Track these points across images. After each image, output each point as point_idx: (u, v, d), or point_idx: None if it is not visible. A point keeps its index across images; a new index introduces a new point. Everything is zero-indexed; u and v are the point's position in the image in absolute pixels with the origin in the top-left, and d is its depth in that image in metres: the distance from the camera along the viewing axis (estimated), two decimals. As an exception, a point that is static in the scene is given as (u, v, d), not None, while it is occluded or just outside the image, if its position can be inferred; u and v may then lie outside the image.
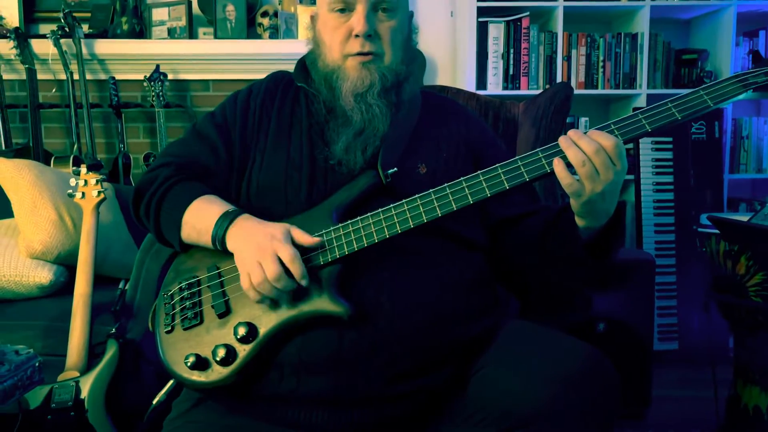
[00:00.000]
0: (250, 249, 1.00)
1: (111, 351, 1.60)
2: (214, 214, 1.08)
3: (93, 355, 1.63)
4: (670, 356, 2.80)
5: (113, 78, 2.93)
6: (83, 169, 1.82)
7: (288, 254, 0.98)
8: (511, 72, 2.94)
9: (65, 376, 1.56)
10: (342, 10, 1.14)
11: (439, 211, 1.02)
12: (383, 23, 1.14)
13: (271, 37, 2.99)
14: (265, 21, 2.99)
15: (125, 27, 2.95)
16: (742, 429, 1.97)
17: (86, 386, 1.54)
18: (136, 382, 1.64)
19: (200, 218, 1.10)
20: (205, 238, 1.08)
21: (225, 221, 1.06)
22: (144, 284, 1.81)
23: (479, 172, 1.03)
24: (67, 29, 2.81)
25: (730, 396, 2.03)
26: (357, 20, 1.12)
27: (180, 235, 1.13)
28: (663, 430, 2.15)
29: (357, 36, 1.12)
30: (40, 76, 2.85)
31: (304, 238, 1.02)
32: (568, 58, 2.97)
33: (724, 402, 2.05)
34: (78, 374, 1.57)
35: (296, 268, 0.98)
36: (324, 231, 1.05)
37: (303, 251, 1.02)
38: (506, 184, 1.01)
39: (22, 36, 2.79)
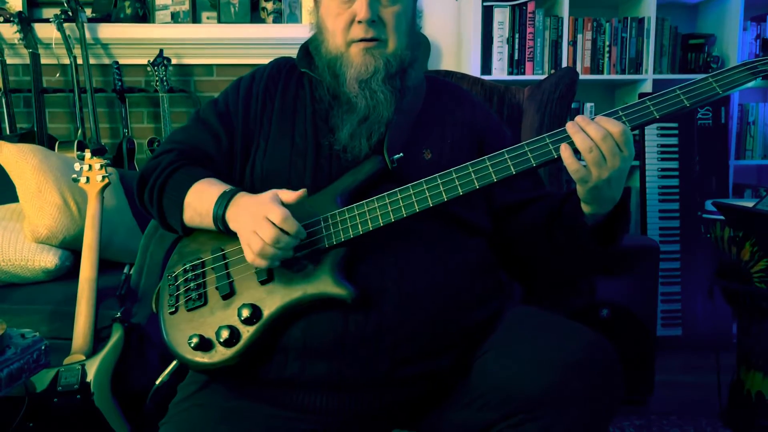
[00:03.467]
0: (246, 221, 1.01)
1: (116, 335, 1.61)
2: (213, 195, 1.08)
3: (98, 338, 1.64)
4: (674, 342, 2.80)
5: (117, 62, 2.92)
6: (87, 154, 1.82)
7: (278, 214, 0.97)
8: (516, 57, 2.92)
9: (71, 360, 1.58)
10: None
11: (444, 196, 1.02)
12: (387, 8, 1.12)
13: (274, 21, 2.97)
14: (269, 5, 2.98)
15: (128, 11, 2.94)
16: (745, 414, 1.98)
17: (92, 369, 1.55)
18: (142, 366, 1.65)
19: (201, 201, 1.10)
20: (207, 220, 1.09)
21: (223, 201, 1.06)
22: (148, 269, 1.81)
23: (485, 156, 1.03)
24: (70, 13, 2.80)
25: (733, 382, 2.04)
26: (360, 6, 1.10)
27: (183, 218, 1.13)
28: (666, 416, 2.16)
29: (360, 22, 1.11)
30: (43, 61, 2.84)
31: (289, 196, 1.01)
32: (573, 43, 2.94)
33: (727, 388, 2.06)
34: (84, 358, 1.58)
35: (289, 226, 0.97)
36: (329, 214, 1.05)
37: (308, 233, 1.02)
38: (513, 169, 1.01)
39: (26, 20, 2.78)
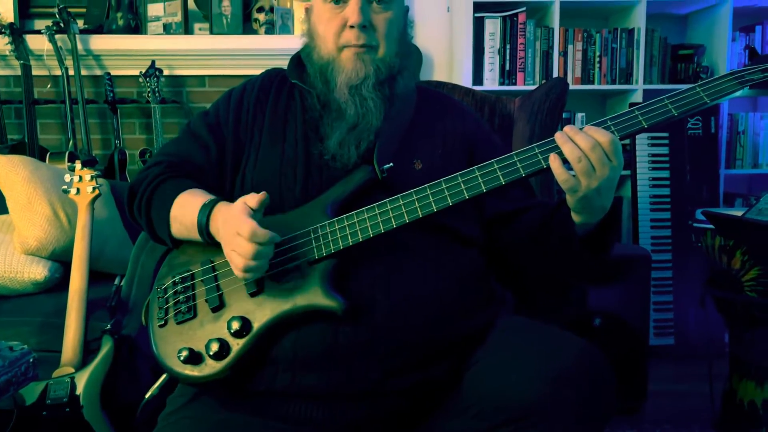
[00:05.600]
0: (224, 238, 1.01)
1: (106, 347, 1.60)
2: (196, 207, 1.08)
3: (88, 351, 1.63)
4: (666, 351, 2.80)
5: (109, 74, 2.91)
6: (78, 165, 1.81)
7: (245, 229, 0.96)
8: (507, 67, 2.93)
9: (60, 372, 1.56)
10: (336, 1, 1.13)
11: (434, 206, 1.02)
12: (378, 15, 1.13)
13: (267, 32, 2.98)
14: (261, 16, 2.98)
15: (120, 22, 2.94)
16: (738, 423, 1.98)
17: (81, 382, 1.53)
18: (132, 378, 1.63)
19: (185, 213, 1.10)
20: (194, 233, 1.09)
21: (204, 212, 1.06)
22: (139, 280, 1.80)
23: (475, 167, 1.03)
24: (62, 25, 2.80)
25: (725, 391, 2.04)
26: (351, 11, 1.11)
27: (170, 231, 1.13)
28: (659, 424, 2.16)
29: (352, 27, 1.12)
30: (35, 72, 2.83)
31: (252, 201, 0.99)
32: (564, 54, 2.96)
33: (720, 397, 2.06)
34: (73, 370, 1.57)
35: (259, 237, 0.96)
36: (319, 225, 1.05)
37: (296, 246, 1.02)
38: (502, 180, 1.01)
39: (17, 32, 2.78)
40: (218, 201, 1.08)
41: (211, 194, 1.11)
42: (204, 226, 1.06)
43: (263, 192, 1.01)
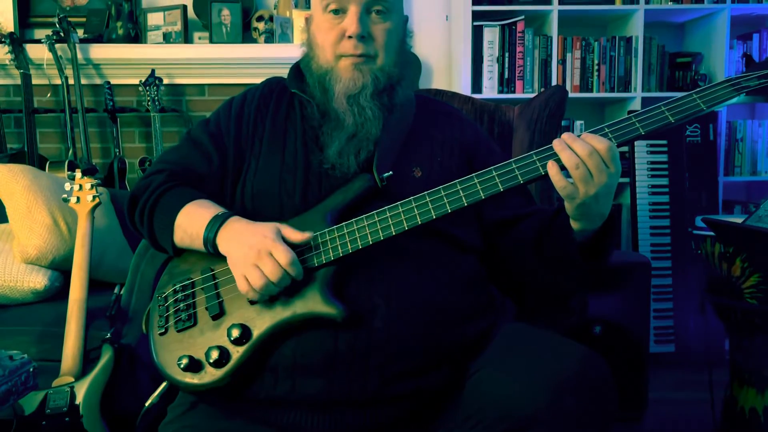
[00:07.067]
0: (243, 250, 1.01)
1: (106, 356, 1.60)
2: (205, 217, 1.08)
3: (88, 360, 1.63)
4: (667, 359, 2.80)
5: (108, 83, 2.92)
6: (78, 174, 1.81)
7: (284, 256, 0.98)
8: (506, 76, 2.95)
9: (60, 382, 1.56)
10: (336, 11, 1.14)
11: (433, 213, 1.02)
12: (377, 25, 1.14)
13: (266, 41, 2.99)
14: (261, 25, 3.00)
15: (120, 32, 2.95)
16: (739, 431, 1.97)
17: (81, 391, 1.53)
18: (132, 387, 1.63)
19: (192, 222, 1.10)
20: (198, 243, 1.09)
21: (215, 224, 1.06)
22: (139, 289, 1.80)
23: (473, 174, 1.03)
24: (62, 34, 2.81)
25: (726, 398, 2.03)
26: (350, 21, 1.12)
27: (173, 239, 1.13)
28: (660, 432, 2.15)
29: (350, 37, 1.12)
30: (35, 81, 2.84)
31: (295, 236, 1.02)
32: (563, 62, 2.97)
33: (721, 404, 2.05)
34: (73, 379, 1.56)
35: (293, 270, 0.99)
36: (318, 233, 1.05)
37: (297, 252, 1.02)
38: (500, 186, 1.01)
39: (17, 41, 2.79)
40: (231, 214, 1.08)
41: (220, 206, 1.12)
42: (212, 237, 1.06)
43: (310, 233, 1.03)
